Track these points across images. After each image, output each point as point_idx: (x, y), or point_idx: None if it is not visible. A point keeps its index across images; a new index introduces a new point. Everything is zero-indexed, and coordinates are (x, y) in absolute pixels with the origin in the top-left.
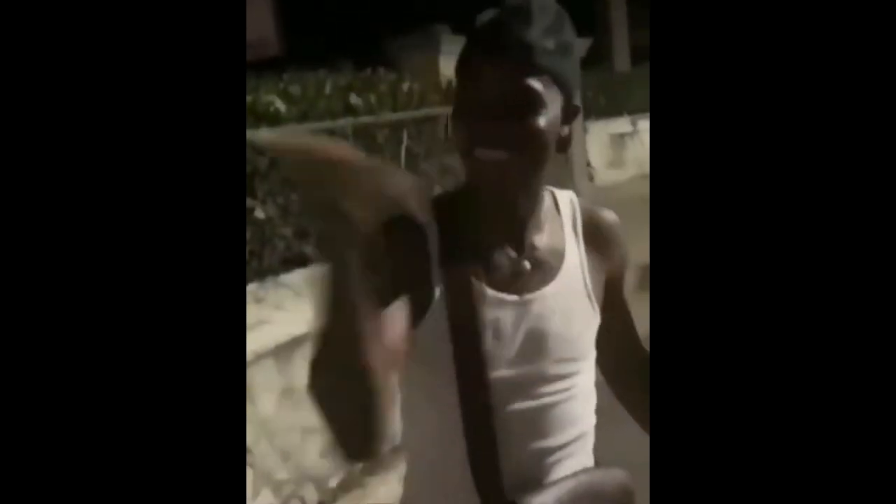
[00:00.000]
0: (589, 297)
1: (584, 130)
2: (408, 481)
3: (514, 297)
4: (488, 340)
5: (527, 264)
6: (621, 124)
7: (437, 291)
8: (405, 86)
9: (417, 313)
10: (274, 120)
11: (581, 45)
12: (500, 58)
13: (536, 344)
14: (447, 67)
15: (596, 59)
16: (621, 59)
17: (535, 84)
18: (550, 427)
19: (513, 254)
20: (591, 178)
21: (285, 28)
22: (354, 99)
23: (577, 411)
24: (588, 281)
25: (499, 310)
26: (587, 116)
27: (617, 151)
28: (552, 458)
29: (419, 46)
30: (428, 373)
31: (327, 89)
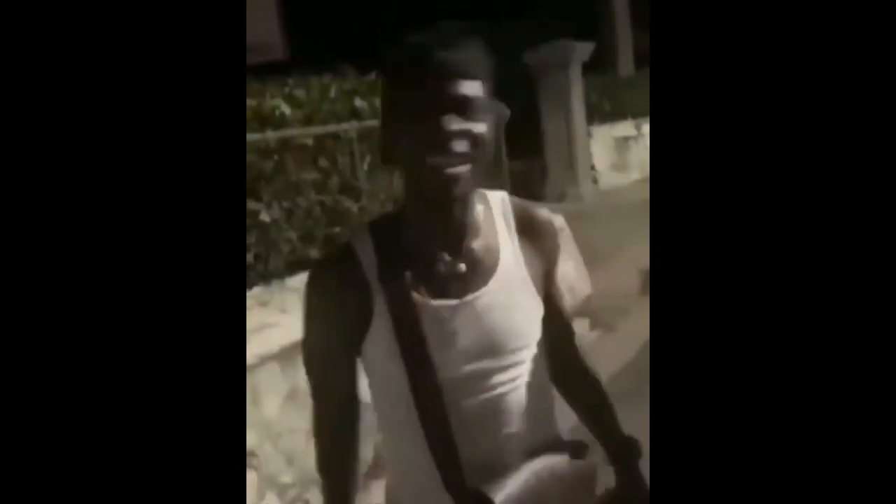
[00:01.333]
0: (529, 288)
1: (589, 134)
2: (388, 486)
3: (454, 302)
4: (433, 348)
5: (462, 267)
6: (625, 128)
7: (377, 307)
8: None
9: (362, 330)
10: (279, 123)
11: (584, 49)
12: (443, 71)
13: (483, 340)
14: None
15: (600, 63)
16: (625, 62)
17: (480, 92)
18: (505, 416)
19: (448, 259)
20: (594, 182)
21: (290, 33)
22: (359, 102)
23: (525, 401)
24: (527, 273)
25: (441, 316)
26: (591, 120)
27: (621, 155)
28: (511, 446)
29: None
30: (386, 379)
31: (332, 93)
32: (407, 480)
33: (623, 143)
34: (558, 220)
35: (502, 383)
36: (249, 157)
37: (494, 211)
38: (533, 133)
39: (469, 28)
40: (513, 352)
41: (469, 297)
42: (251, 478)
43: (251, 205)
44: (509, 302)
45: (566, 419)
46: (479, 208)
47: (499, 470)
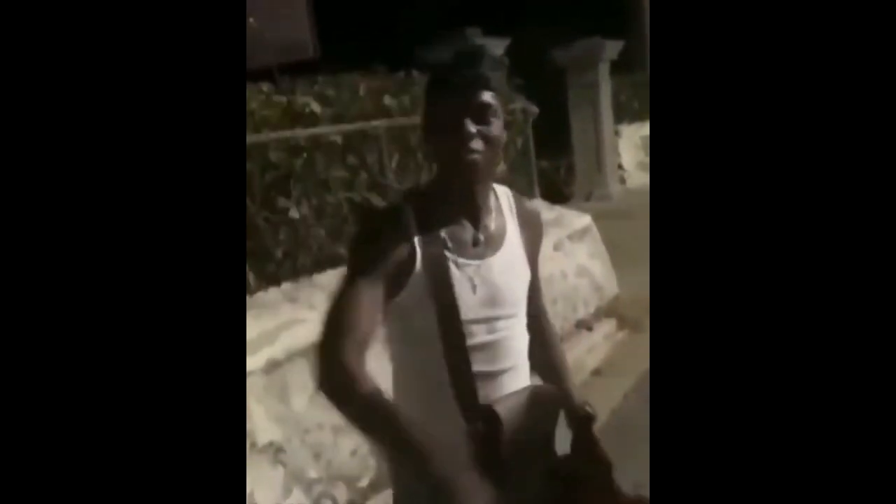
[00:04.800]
0: (523, 259)
1: (617, 133)
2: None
3: (476, 262)
4: (459, 293)
5: (481, 237)
6: None
7: (418, 262)
8: None
9: (402, 281)
10: (309, 121)
11: (613, 48)
12: (470, 83)
13: (494, 294)
14: None
15: (629, 61)
16: None
17: (494, 101)
18: (502, 353)
19: (471, 230)
20: (622, 181)
21: (321, 31)
22: (388, 100)
23: (517, 344)
24: (523, 248)
25: (465, 271)
26: (619, 120)
27: (649, 154)
28: (503, 377)
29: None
30: (415, 322)
31: (361, 91)
32: (420, 401)
33: None
34: (584, 220)
35: (505, 328)
36: (279, 155)
37: (501, 200)
38: (561, 132)
39: (485, 46)
40: (512, 304)
41: (486, 261)
42: (278, 473)
43: (281, 202)
44: (511, 268)
45: None
46: (492, 197)
47: (500, 394)
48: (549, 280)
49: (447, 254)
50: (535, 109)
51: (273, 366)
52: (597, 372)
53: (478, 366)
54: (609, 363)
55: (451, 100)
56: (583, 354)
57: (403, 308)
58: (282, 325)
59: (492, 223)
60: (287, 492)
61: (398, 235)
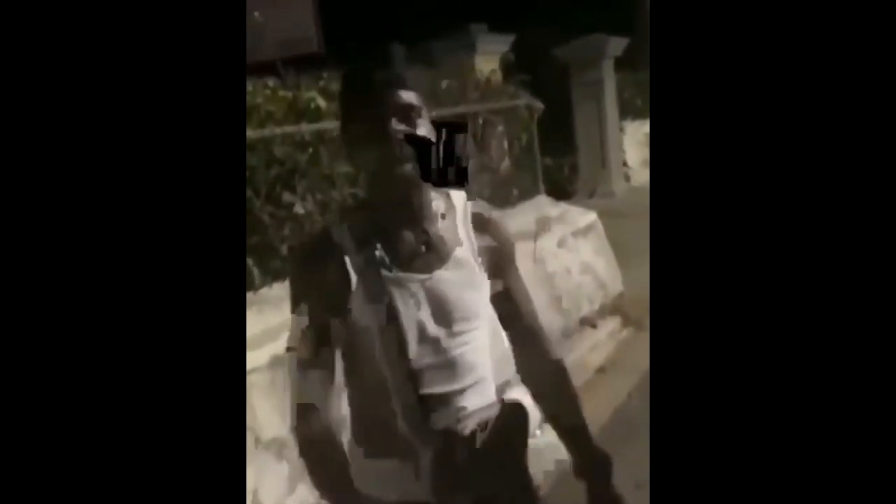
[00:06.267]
0: (479, 270)
1: (621, 130)
2: (354, 428)
3: (421, 276)
4: (400, 311)
5: (423, 247)
6: None
7: (353, 282)
8: (443, 83)
9: (343, 305)
10: (314, 116)
11: (617, 44)
12: (386, 83)
13: (443, 309)
14: (484, 65)
15: (633, 60)
16: None
17: (416, 100)
18: (462, 371)
19: (413, 242)
20: (626, 179)
21: (325, 26)
22: None
23: (476, 360)
24: (478, 258)
25: (408, 287)
26: (624, 117)
27: None
28: (465, 395)
29: (456, 45)
30: (359, 342)
31: None
32: (371, 421)
33: None
34: (589, 217)
35: (463, 343)
36: (284, 150)
37: (457, 208)
38: (565, 129)
39: (407, 51)
40: (469, 319)
41: (435, 273)
42: (283, 468)
43: (285, 197)
44: (461, 280)
45: None
46: (439, 204)
47: (447, 415)
48: (553, 277)
49: (384, 271)
50: (539, 106)
51: (277, 362)
52: (601, 370)
53: (435, 385)
54: (613, 361)
55: (370, 103)
56: (587, 352)
57: (351, 330)
58: (284, 322)
59: (438, 232)
60: (291, 488)
61: (325, 260)
